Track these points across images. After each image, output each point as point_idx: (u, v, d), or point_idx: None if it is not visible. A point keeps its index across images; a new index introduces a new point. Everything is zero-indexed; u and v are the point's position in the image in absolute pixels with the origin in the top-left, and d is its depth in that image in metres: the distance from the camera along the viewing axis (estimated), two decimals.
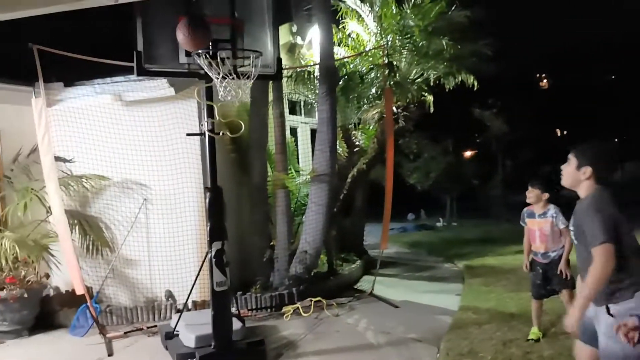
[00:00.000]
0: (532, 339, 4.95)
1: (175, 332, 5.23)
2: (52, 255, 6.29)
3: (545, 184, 4.93)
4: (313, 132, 9.37)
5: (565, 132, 32.21)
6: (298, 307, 6.49)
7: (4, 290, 5.92)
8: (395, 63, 8.52)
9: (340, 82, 8.29)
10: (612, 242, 2.63)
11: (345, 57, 9.07)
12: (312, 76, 8.67)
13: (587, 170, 2.85)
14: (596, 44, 27.77)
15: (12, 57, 6.05)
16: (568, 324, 2.79)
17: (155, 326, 6.03)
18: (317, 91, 7.92)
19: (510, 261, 9.25)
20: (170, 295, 6.60)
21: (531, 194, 4.94)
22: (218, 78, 4.58)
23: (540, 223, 4.94)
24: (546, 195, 4.91)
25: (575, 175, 2.91)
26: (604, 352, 2.70)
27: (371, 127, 9.39)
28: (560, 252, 4.86)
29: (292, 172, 8.34)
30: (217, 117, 5.05)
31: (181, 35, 4.41)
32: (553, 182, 4.63)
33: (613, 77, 31.09)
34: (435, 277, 8.73)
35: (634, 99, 26.39)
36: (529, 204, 5.08)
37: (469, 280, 8.01)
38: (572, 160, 2.94)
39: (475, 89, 9.34)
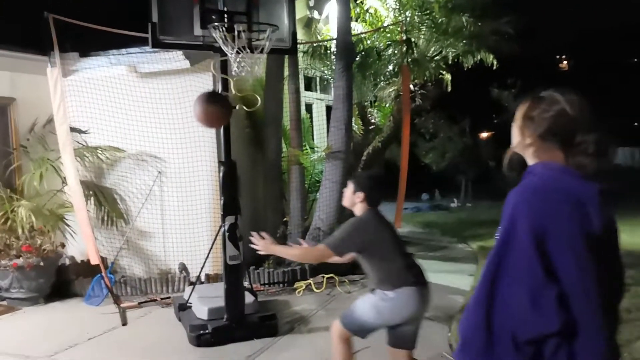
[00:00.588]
0: None
1: (188, 304, 5.27)
2: (68, 225, 6.36)
3: None
4: (328, 109, 9.30)
5: None
6: (310, 283, 6.51)
7: (21, 258, 6.00)
8: (413, 40, 8.37)
9: (357, 59, 8.18)
10: (332, 251, 3.20)
11: (363, 33, 8.93)
12: (328, 52, 8.57)
13: (360, 195, 3.32)
14: (619, 25, 27.14)
15: (28, 26, 6.03)
16: (261, 246, 3.37)
17: (169, 297, 6.09)
18: (334, 67, 7.84)
19: None
20: (183, 267, 6.65)
21: None
22: (232, 52, 4.53)
23: None
24: None
25: (351, 198, 3.36)
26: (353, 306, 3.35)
27: (387, 105, 9.29)
28: None
29: (306, 149, 8.30)
30: (233, 91, 5.01)
31: (197, 110, 4.36)
32: None
33: (636, 59, 30.45)
34: (448, 257, 8.69)
35: None
36: None
37: (483, 261, 7.90)
38: (350, 185, 3.40)
39: (494, 68, 9.16)
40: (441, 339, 4.82)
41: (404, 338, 3.33)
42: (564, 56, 32.77)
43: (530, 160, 1.74)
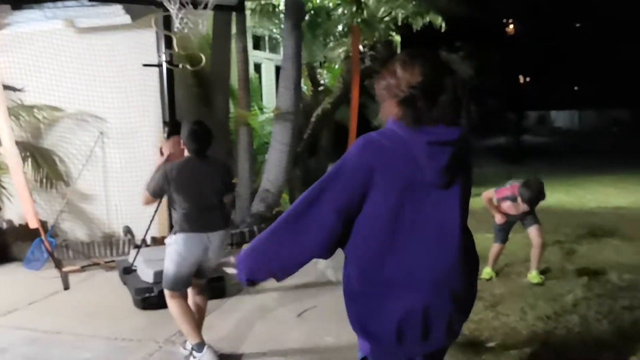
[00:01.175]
0: (485, 279, 5.10)
1: (133, 267, 5.19)
2: (4, 188, 6.10)
3: None
4: (278, 69, 9.16)
5: (528, 79, 32.55)
6: None
7: None
8: (363, 0, 8.29)
9: (306, 17, 8.04)
10: (147, 192, 3.54)
11: None
12: (277, 10, 8.38)
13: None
14: None
15: None
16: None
17: (113, 261, 5.97)
18: (282, 26, 7.68)
19: (471, 204, 9.44)
20: (128, 230, 6.52)
21: None
22: (175, 7, 4.36)
23: None
24: None
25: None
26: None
27: (337, 66, 9.23)
28: None
29: (255, 110, 8.17)
30: (176, 49, 4.85)
31: None
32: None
33: (579, 24, 31.23)
34: None
35: (596, 48, 26.69)
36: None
37: None
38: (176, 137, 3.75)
39: (443, 30, 9.21)
40: None
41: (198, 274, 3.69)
42: (510, 20, 33.25)
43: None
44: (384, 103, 1.89)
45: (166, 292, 3.59)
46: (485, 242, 6.37)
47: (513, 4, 27.20)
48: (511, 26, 33.30)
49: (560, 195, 9.87)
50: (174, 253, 3.51)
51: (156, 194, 3.57)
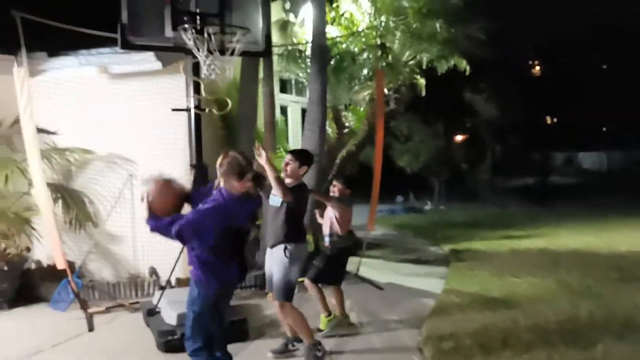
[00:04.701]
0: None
1: (157, 309, 5.20)
2: (34, 229, 6.21)
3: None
4: (304, 112, 9.28)
5: (555, 120, 32.31)
6: None
7: None
8: (388, 44, 8.41)
9: (332, 62, 8.19)
10: None
11: (338, 37, 8.94)
12: (303, 55, 8.55)
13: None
14: (590, 32, 27.68)
15: None
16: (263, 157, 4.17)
17: (138, 302, 6.00)
18: (308, 70, 7.82)
19: (495, 246, 9.31)
20: (153, 271, 6.56)
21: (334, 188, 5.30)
22: (203, 54, 4.49)
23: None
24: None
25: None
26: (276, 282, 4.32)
27: (362, 109, 9.31)
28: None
29: (281, 152, 8.26)
30: (203, 94, 4.97)
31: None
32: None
33: (605, 66, 31.10)
34: (420, 260, 8.75)
35: (625, 89, 26.45)
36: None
37: (454, 264, 8.05)
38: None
39: (467, 73, 9.25)
40: (411, 342, 4.84)
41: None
42: (536, 61, 33.28)
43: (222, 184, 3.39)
44: None
45: (282, 305, 4.28)
46: (513, 287, 6.25)
47: (538, 45, 27.31)
48: (537, 67, 33.35)
49: (589, 238, 9.66)
50: (287, 264, 4.21)
51: None
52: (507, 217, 13.61)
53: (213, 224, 3.28)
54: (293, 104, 10.05)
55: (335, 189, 5.25)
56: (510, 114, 18.32)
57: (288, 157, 4.50)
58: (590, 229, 10.55)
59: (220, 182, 3.41)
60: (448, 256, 8.80)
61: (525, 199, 16.88)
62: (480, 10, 8.95)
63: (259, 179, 3.41)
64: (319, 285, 5.12)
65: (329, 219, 5.25)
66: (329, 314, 5.11)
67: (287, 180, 4.38)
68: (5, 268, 5.91)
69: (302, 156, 4.52)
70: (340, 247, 5.25)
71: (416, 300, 6.14)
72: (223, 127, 7.41)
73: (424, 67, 8.97)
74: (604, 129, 32.25)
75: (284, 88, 9.90)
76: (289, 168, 4.41)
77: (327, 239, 5.26)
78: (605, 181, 23.45)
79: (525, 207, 15.53)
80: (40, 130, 6.16)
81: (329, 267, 5.17)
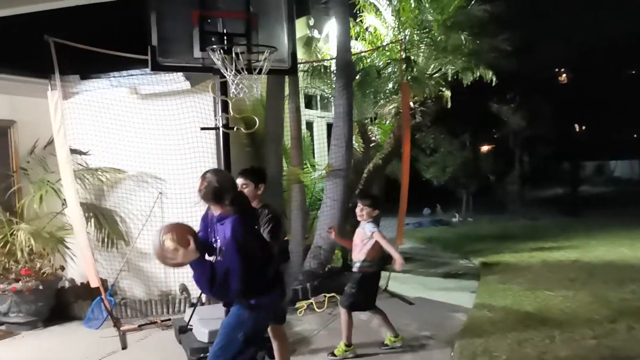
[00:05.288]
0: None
1: (188, 327, 5.23)
2: (68, 248, 6.33)
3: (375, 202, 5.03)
4: (329, 126, 9.30)
5: (584, 128, 31.73)
6: (312, 303, 6.47)
7: (20, 282, 5.97)
8: (412, 58, 8.40)
9: (357, 77, 8.21)
10: None
11: (363, 52, 8.97)
12: (328, 70, 8.60)
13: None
14: (618, 38, 27.22)
15: (29, 50, 6.05)
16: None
17: (169, 320, 6.05)
18: (334, 85, 7.86)
19: (526, 258, 9.15)
20: (184, 288, 6.61)
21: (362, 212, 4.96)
22: (231, 74, 4.55)
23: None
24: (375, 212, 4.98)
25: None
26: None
27: (388, 122, 9.30)
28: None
29: (307, 167, 8.30)
30: (231, 112, 5.02)
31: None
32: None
33: (634, 71, 30.48)
34: (450, 273, 8.65)
35: None
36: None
37: (485, 277, 7.93)
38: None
39: (493, 84, 9.19)
40: (443, 358, 4.77)
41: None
42: (562, 69, 32.81)
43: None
44: None
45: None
46: (547, 301, 6.13)
47: (565, 53, 26.96)
48: (564, 75, 32.88)
49: (624, 250, 9.43)
50: None
51: None
52: (538, 229, 13.38)
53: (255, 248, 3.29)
54: (318, 119, 10.09)
55: (363, 213, 4.96)
56: (538, 123, 18.07)
57: (240, 180, 4.11)
58: (625, 240, 10.28)
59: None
60: (478, 269, 8.68)
61: (555, 210, 16.58)
62: (506, 21, 8.90)
63: (238, 200, 3.32)
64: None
65: (361, 243, 4.98)
66: (350, 345, 4.93)
67: (253, 203, 4.00)
68: (41, 287, 6.01)
69: (254, 176, 4.23)
70: (374, 270, 5.04)
71: (447, 315, 6.06)
72: (250, 145, 7.48)
73: (450, 79, 8.94)
74: (635, 135, 31.54)
75: (309, 103, 9.96)
76: (246, 192, 4.00)
77: (357, 264, 5.00)
78: (638, 190, 22.90)
79: (556, 218, 15.25)
80: (73, 151, 6.32)
81: (364, 294, 4.96)
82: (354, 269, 5.05)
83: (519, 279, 7.57)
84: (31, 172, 6.70)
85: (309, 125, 9.72)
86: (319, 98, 10.11)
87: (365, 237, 4.94)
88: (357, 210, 5.02)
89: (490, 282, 7.55)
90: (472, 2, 8.51)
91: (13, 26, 4.71)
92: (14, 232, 6.11)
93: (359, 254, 4.98)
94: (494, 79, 9.06)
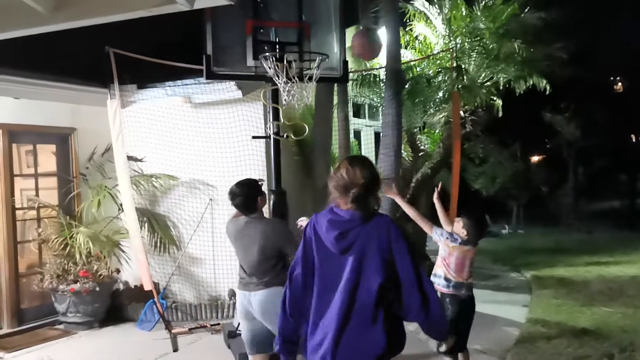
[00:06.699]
0: None
1: (237, 332, 5.28)
2: (123, 251, 6.53)
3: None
4: (377, 135, 9.28)
5: None
6: None
7: (78, 283, 6.19)
8: (463, 66, 8.30)
9: (407, 86, 8.16)
10: None
11: (412, 60, 8.93)
12: (377, 79, 8.59)
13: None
14: None
15: (89, 60, 6.31)
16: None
17: (219, 324, 6.14)
18: (383, 94, 7.84)
19: (582, 273, 8.84)
20: (233, 294, 6.68)
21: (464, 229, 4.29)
22: (282, 82, 4.61)
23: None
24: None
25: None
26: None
27: (437, 131, 9.20)
28: None
29: None
30: (282, 120, 5.08)
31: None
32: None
33: None
34: (500, 286, 8.45)
35: None
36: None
37: (537, 292, 7.70)
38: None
39: (546, 92, 8.96)
40: None
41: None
42: (618, 77, 31.68)
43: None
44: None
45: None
46: (604, 317, 5.90)
47: (621, 61, 26.03)
48: (620, 84, 31.74)
49: None
50: None
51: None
52: (593, 243, 12.92)
53: None
54: (366, 127, 10.09)
55: (464, 230, 4.32)
56: (593, 133, 17.50)
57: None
58: None
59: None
60: (530, 283, 8.44)
61: (611, 223, 15.98)
62: (561, 28, 8.69)
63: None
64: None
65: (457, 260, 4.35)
66: None
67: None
68: (97, 289, 6.22)
69: (251, 189, 3.95)
70: (469, 295, 4.33)
71: (499, 329, 5.92)
72: (298, 153, 7.54)
73: (501, 87, 8.78)
74: None
75: (357, 112, 9.97)
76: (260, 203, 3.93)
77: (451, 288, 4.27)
78: None
79: (613, 232, 14.69)
80: (129, 158, 6.52)
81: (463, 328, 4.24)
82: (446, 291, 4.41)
83: (573, 293, 7.32)
84: (90, 178, 6.95)
85: (357, 134, 9.73)
86: (367, 107, 10.11)
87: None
88: (458, 226, 4.43)
89: (544, 296, 7.33)
90: (526, 10, 8.35)
91: (75, 39, 4.91)
92: (73, 235, 6.35)
93: (461, 272, 4.41)
94: (548, 88, 8.84)
